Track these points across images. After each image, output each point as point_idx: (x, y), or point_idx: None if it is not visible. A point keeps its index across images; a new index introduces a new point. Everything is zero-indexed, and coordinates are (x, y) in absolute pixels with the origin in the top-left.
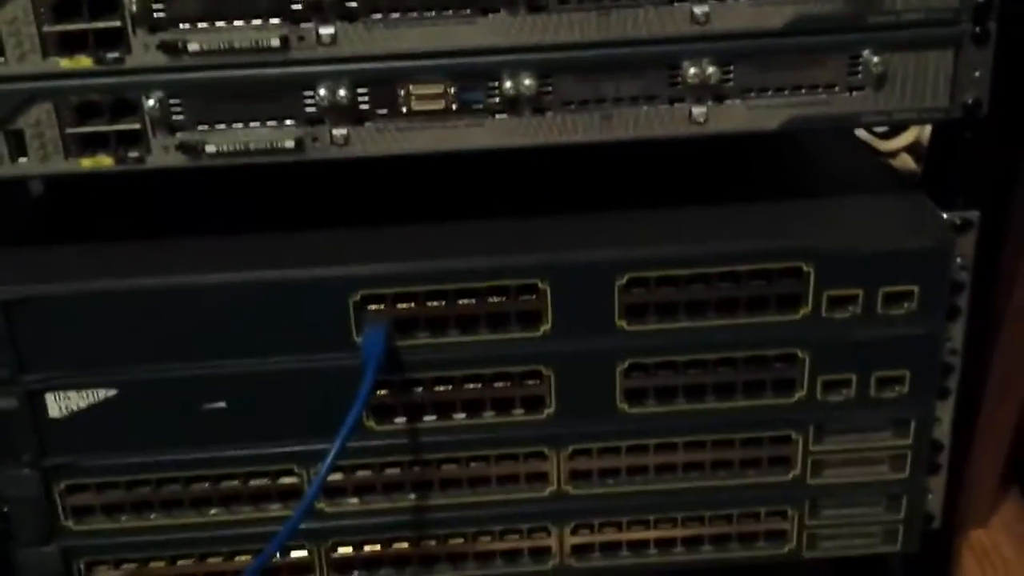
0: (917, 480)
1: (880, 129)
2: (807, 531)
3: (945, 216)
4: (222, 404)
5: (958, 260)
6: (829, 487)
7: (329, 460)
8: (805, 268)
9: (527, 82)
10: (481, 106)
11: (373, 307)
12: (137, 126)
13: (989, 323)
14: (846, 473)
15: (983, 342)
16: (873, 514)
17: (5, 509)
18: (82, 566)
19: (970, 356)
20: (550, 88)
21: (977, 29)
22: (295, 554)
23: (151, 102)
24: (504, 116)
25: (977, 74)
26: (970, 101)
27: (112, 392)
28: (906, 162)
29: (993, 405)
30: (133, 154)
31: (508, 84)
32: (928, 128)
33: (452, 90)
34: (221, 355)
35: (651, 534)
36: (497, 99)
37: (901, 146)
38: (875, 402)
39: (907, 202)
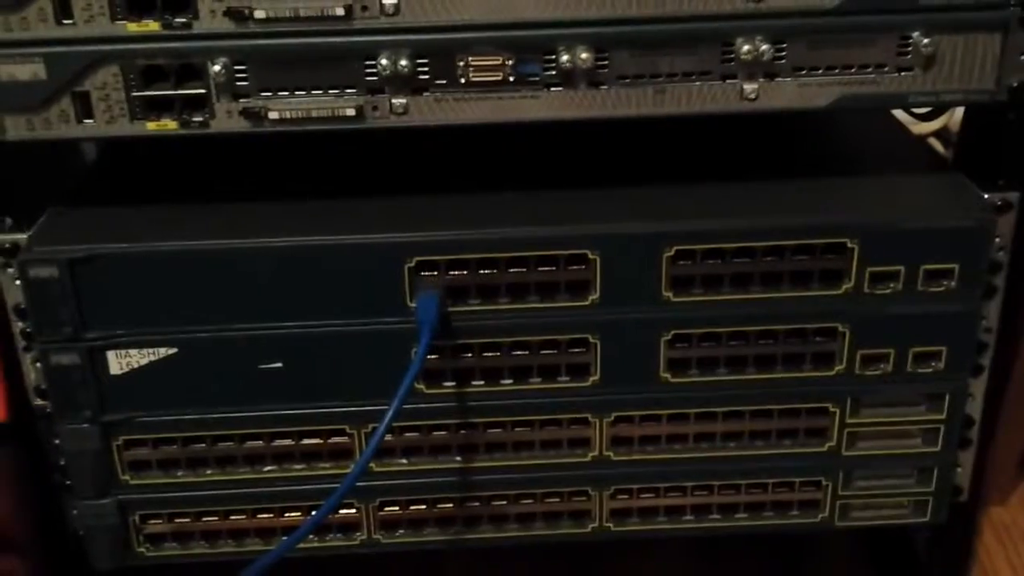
0: (948, 454)
1: (916, 112)
2: (840, 501)
3: (987, 196)
4: (278, 364)
5: (997, 240)
6: (863, 459)
7: (386, 421)
8: (849, 244)
9: (583, 55)
10: (537, 78)
11: (427, 273)
12: (202, 91)
13: (1021, 303)
14: (880, 445)
15: (1014, 321)
16: (904, 486)
17: (62, 462)
18: (137, 519)
19: (1004, 334)
20: (606, 62)
21: None
22: (343, 511)
23: (216, 68)
24: (560, 89)
25: (1023, 58)
26: (1015, 84)
27: (172, 351)
28: (935, 146)
29: (1019, 384)
30: (197, 118)
31: (564, 57)
32: (958, 114)
33: (510, 62)
34: (278, 317)
35: (688, 500)
36: (553, 72)
37: (931, 130)
38: (911, 376)
39: (948, 182)
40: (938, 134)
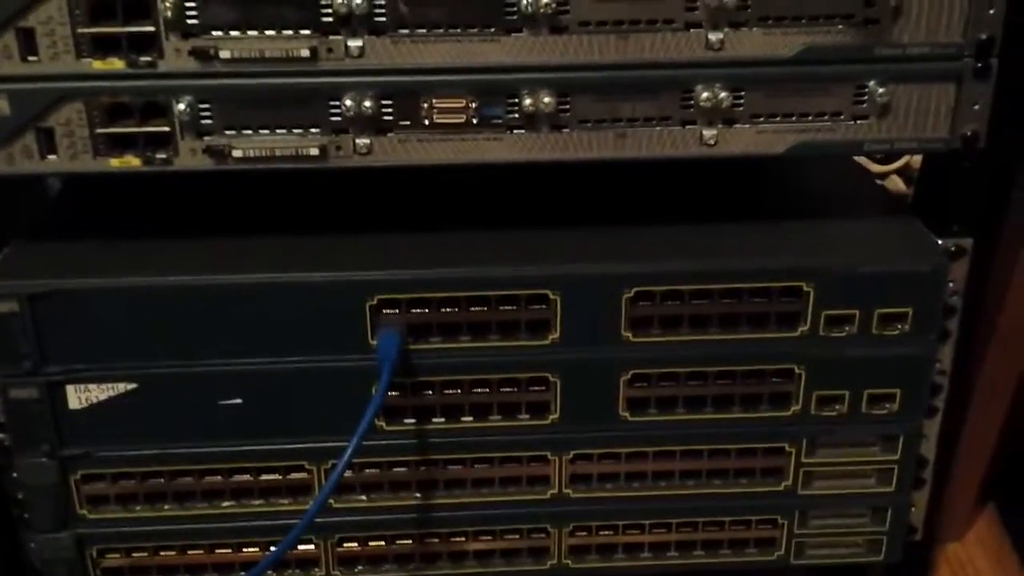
0: (902, 494)
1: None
2: (795, 539)
3: (940, 242)
4: (238, 400)
5: (951, 285)
6: (818, 498)
7: (346, 457)
8: (805, 287)
9: (546, 99)
10: (501, 121)
11: (388, 311)
12: (166, 129)
13: (975, 345)
14: (835, 485)
15: (968, 362)
16: (859, 525)
17: (20, 496)
18: (94, 553)
19: (957, 375)
20: (568, 106)
21: (979, 64)
22: (302, 547)
23: (181, 106)
24: (522, 131)
25: (977, 107)
26: (969, 133)
27: (131, 385)
28: (896, 183)
29: (975, 424)
30: (161, 156)
31: (528, 101)
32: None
33: (473, 105)
34: (239, 353)
35: (646, 538)
36: (516, 115)
37: (892, 168)
38: (866, 418)
39: (903, 227)
40: (900, 172)
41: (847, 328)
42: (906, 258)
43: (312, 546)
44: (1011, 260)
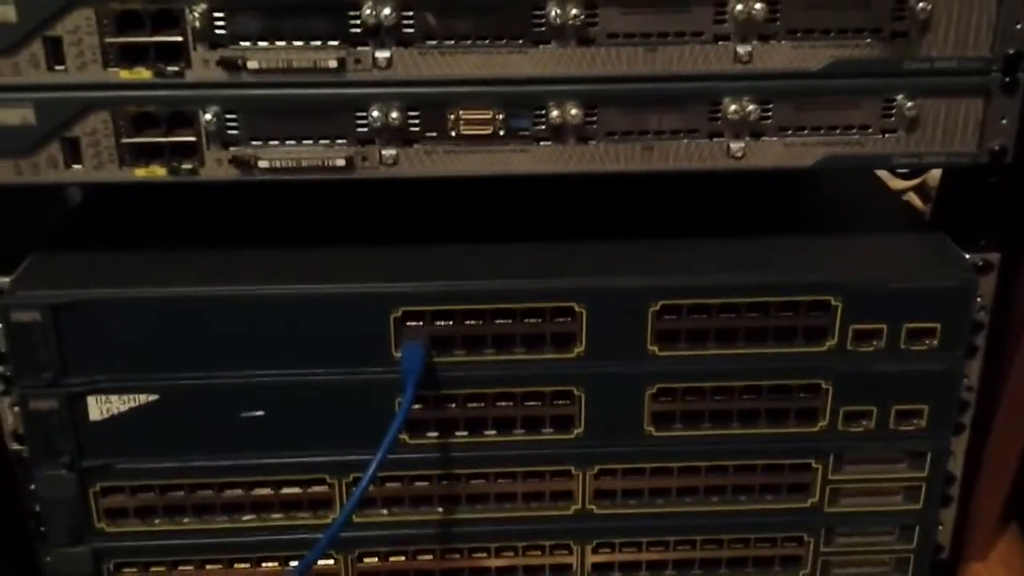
0: (930, 512)
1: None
2: (822, 557)
3: (967, 257)
4: (260, 412)
5: (978, 300)
6: (845, 515)
7: (371, 472)
8: (833, 302)
9: (573, 111)
10: (527, 133)
11: (413, 323)
12: (192, 139)
13: (1001, 361)
14: (862, 502)
15: (993, 379)
16: (886, 543)
17: (37, 508)
18: (111, 567)
19: (982, 394)
20: (595, 118)
21: (1007, 79)
22: (322, 562)
23: (208, 116)
24: (549, 143)
25: (1004, 121)
26: (997, 147)
27: (153, 397)
28: (912, 200)
29: (999, 441)
30: (187, 166)
31: (555, 113)
32: (935, 170)
33: (500, 116)
34: (261, 365)
35: (670, 555)
36: (543, 127)
37: (909, 186)
38: (893, 434)
39: (930, 242)
40: (917, 189)
41: (875, 343)
42: (934, 273)
43: (332, 561)
44: None
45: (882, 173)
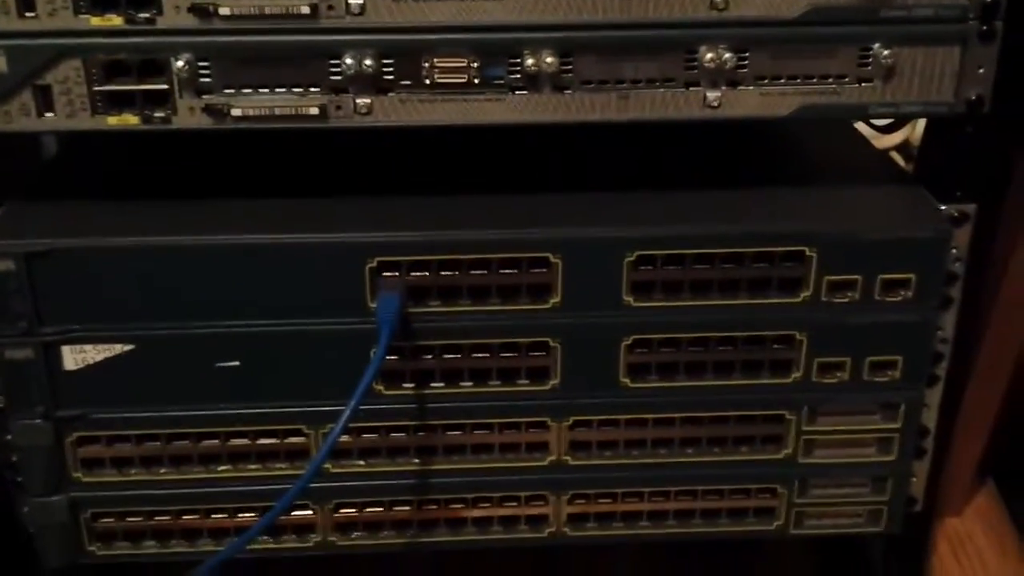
0: (903, 463)
1: (878, 125)
2: (795, 509)
3: (943, 208)
4: (236, 363)
5: (954, 251)
6: (819, 467)
7: (342, 421)
8: (808, 252)
9: (548, 60)
10: (502, 81)
11: (388, 274)
12: (164, 87)
13: (977, 314)
14: (836, 454)
15: (970, 333)
16: (859, 495)
17: (13, 459)
18: (88, 516)
19: (956, 346)
20: (570, 67)
21: (984, 27)
22: (298, 513)
23: (179, 63)
24: (524, 92)
25: (981, 71)
26: (973, 97)
27: (128, 347)
28: (897, 160)
29: (975, 396)
30: (159, 114)
31: (530, 61)
32: (919, 128)
33: (475, 64)
34: (237, 315)
35: (645, 506)
36: (518, 75)
37: (892, 144)
38: (867, 385)
39: (907, 194)
40: (900, 148)
41: (849, 294)
42: (909, 224)
43: (310, 511)
44: (1016, 226)
45: (866, 132)
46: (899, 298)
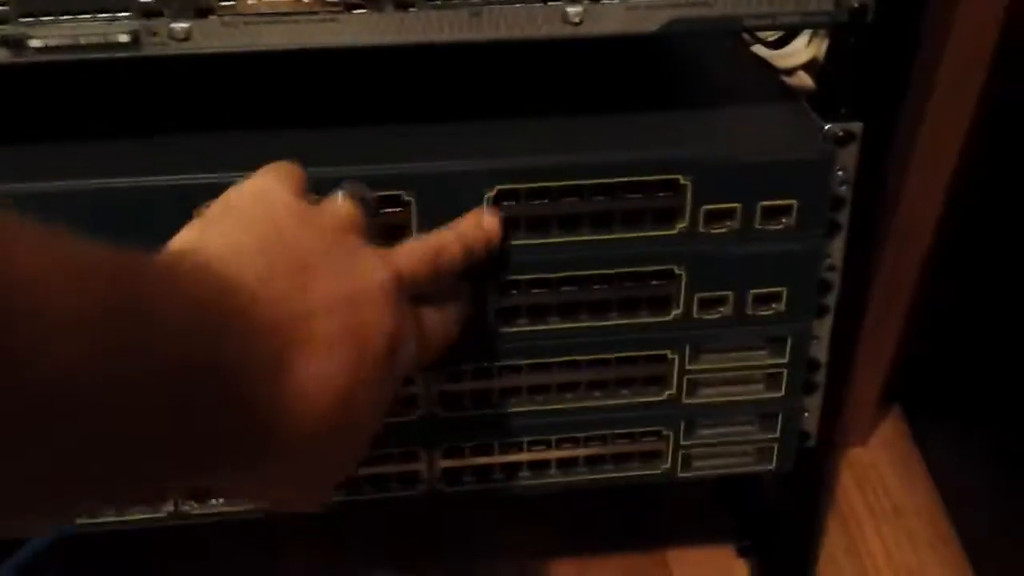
0: (792, 399)
1: (769, 41)
2: (682, 451)
3: (827, 127)
4: None
5: (839, 174)
6: (704, 407)
7: None
8: (682, 180)
9: None
10: None
11: None
12: None
13: (870, 239)
14: (721, 392)
15: (864, 258)
16: (748, 433)
17: None
18: None
19: (852, 272)
20: None
21: None
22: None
23: None
24: (363, 11)
25: None
26: (856, 5)
27: None
28: (803, 80)
29: (874, 323)
30: None
31: None
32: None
33: None
34: None
35: (524, 456)
36: None
37: (799, 63)
38: (751, 320)
39: (789, 114)
40: (809, 67)
41: (728, 224)
42: (789, 145)
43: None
44: (909, 146)
45: (766, 49)
46: (781, 226)
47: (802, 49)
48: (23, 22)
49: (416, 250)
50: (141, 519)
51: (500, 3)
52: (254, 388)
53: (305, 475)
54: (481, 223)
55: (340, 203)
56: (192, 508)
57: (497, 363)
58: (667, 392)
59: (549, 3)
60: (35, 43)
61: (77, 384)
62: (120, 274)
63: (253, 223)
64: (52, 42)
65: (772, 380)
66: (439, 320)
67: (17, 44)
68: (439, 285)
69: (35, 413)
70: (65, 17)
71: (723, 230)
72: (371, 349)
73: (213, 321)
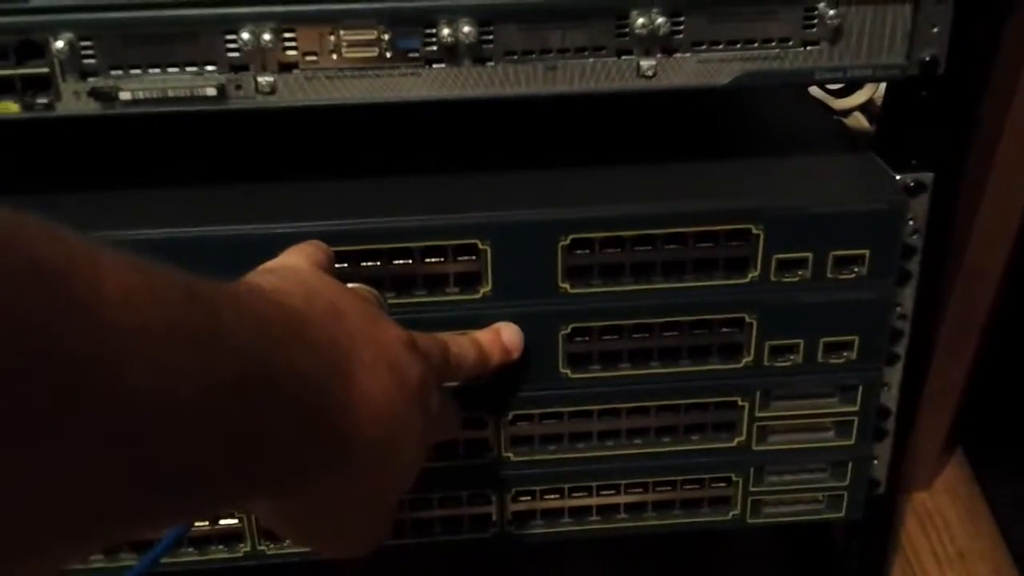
0: (863, 447)
1: (834, 87)
2: (751, 497)
3: (898, 178)
4: None
5: (910, 223)
6: (774, 453)
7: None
8: (755, 230)
9: (466, 29)
10: (417, 54)
11: None
12: (45, 70)
13: (939, 286)
14: (791, 439)
15: (932, 305)
16: (818, 480)
17: None
18: None
19: (919, 319)
20: (491, 36)
21: None
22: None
23: (59, 44)
24: (442, 66)
25: (936, 30)
26: (927, 58)
27: None
28: (859, 121)
29: (940, 369)
30: (41, 100)
31: (446, 31)
32: (883, 86)
33: (386, 36)
34: None
35: (593, 501)
36: (435, 47)
37: (855, 105)
38: (822, 367)
39: (859, 163)
40: (864, 107)
41: (800, 272)
42: (861, 196)
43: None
44: (976, 195)
45: (822, 91)
46: (853, 275)
47: (858, 91)
48: (113, 75)
49: (428, 336)
50: (222, 558)
51: (575, 57)
52: (325, 395)
53: (369, 489)
54: (500, 336)
55: (359, 285)
56: (268, 548)
57: (568, 408)
58: (737, 439)
59: (623, 57)
60: (124, 96)
61: (168, 394)
62: (196, 293)
63: (285, 278)
64: (141, 95)
65: (842, 428)
66: (451, 408)
67: (107, 97)
68: (449, 379)
69: (125, 423)
70: (153, 70)
71: (794, 279)
72: (405, 380)
73: (278, 335)
